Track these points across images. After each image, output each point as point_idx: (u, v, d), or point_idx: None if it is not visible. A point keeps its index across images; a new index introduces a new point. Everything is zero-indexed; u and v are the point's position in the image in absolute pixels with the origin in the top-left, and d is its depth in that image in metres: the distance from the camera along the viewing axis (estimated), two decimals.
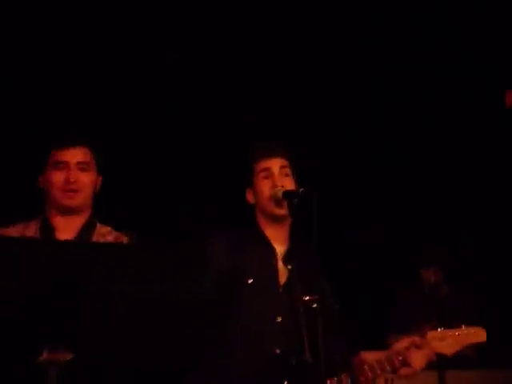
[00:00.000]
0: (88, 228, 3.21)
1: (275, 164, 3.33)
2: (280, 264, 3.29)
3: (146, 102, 4.49)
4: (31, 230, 3.16)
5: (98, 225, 3.25)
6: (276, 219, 3.31)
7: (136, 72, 4.48)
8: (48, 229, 3.16)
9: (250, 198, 3.39)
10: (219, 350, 3.00)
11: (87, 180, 3.20)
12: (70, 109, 4.31)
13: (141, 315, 2.29)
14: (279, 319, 3.18)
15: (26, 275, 2.21)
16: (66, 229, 3.16)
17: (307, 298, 2.98)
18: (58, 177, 3.16)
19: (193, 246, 2.40)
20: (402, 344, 3.18)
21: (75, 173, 3.17)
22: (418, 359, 3.15)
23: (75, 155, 3.19)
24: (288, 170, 3.35)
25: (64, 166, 3.17)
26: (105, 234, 3.22)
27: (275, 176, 3.30)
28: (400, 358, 3.16)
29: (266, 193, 3.29)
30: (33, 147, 3.37)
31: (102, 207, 3.27)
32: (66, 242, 2.98)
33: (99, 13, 4.36)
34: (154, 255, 2.33)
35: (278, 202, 3.25)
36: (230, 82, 4.63)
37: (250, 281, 3.18)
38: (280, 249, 3.32)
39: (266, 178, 3.31)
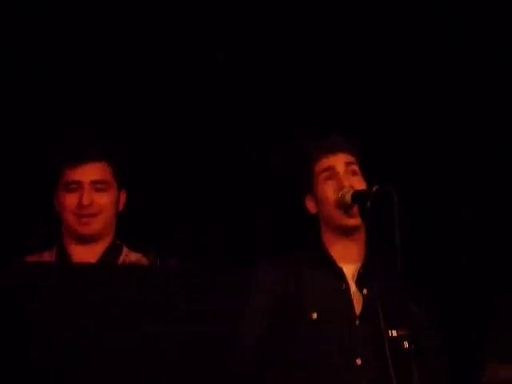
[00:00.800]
0: (111, 254, 2.85)
1: (339, 161, 2.81)
2: (353, 289, 2.73)
3: (172, 105, 3.95)
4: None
5: (126, 249, 2.89)
6: (346, 232, 2.77)
7: (160, 75, 3.95)
8: (64, 258, 2.84)
9: (310, 206, 2.88)
10: None
11: (105, 201, 2.82)
12: (83, 117, 3.79)
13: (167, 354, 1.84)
14: (359, 362, 2.62)
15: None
16: (85, 257, 2.82)
17: (396, 333, 2.32)
18: (70, 200, 2.80)
19: (238, 271, 1.95)
20: None
21: (89, 194, 2.79)
22: None
23: (89, 173, 2.81)
24: (356, 167, 2.83)
25: (76, 186, 2.80)
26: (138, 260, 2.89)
27: (340, 175, 2.77)
28: None
29: (330, 198, 2.77)
30: (45, 164, 3.02)
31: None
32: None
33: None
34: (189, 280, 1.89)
35: (346, 209, 2.71)
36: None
37: (315, 315, 2.66)
38: (350, 269, 2.77)
39: (330, 178, 2.79)
